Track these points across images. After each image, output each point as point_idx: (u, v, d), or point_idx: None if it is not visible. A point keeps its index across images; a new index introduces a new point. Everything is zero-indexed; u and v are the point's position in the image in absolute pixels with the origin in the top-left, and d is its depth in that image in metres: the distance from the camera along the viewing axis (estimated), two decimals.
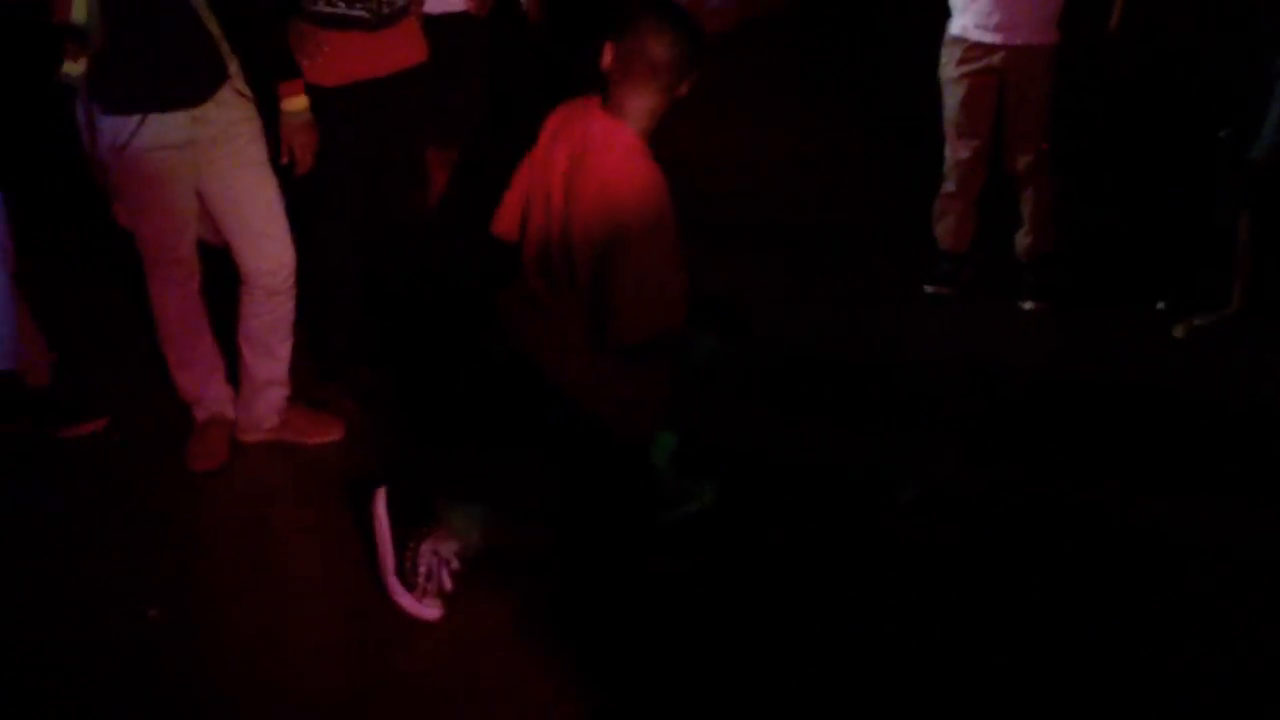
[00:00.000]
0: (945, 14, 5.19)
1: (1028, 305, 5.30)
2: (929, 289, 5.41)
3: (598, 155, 3.40)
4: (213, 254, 4.20)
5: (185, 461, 4.26)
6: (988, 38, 5.05)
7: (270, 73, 3.98)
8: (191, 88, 3.89)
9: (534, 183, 3.57)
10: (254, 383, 4.29)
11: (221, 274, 4.21)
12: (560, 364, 3.48)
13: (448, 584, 3.63)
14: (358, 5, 4.19)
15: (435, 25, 4.61)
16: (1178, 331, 5.07)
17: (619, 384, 3.47)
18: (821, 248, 5.83)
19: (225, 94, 3.95)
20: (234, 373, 4.34)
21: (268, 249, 4.10)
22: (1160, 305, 5.21)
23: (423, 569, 3.61)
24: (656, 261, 3.34)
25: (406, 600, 3.62)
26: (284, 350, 4.28)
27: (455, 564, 3.63)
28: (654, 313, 3.37)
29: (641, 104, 3.43)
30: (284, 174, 4.13)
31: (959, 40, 5.12)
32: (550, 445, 3.59)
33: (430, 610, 3.62)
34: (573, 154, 3.45)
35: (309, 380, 4.54)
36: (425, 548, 3.62)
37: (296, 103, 4.02)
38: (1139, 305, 5.27)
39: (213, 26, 3.87)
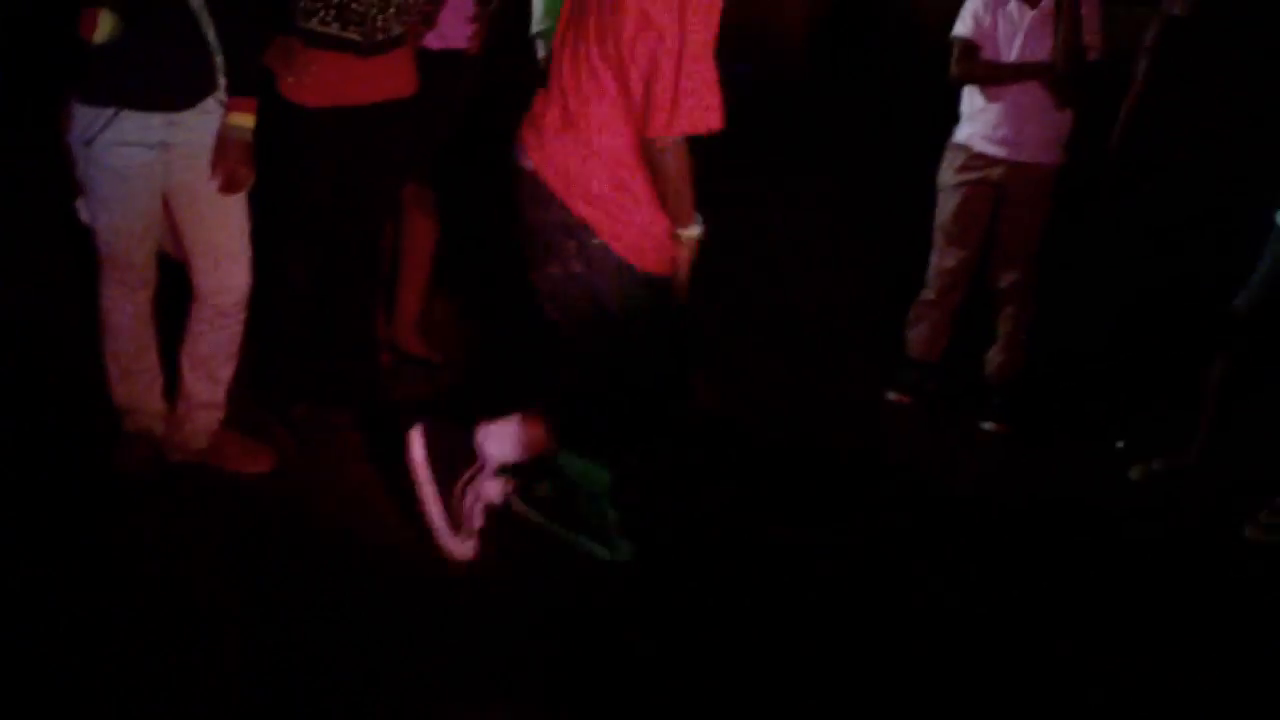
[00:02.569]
0: (953, 118, 5.11)
1: (988, 426, 5.20)
2: (891, 395, 5.31)
3: None
4: (165, 267, 4.07)
5: (111, 468, 4.11)
6: (991, 149, 4.97)
7: (233, 81, 3.84)
8: (175, 91, 3.79)
9: None
10: (190, 402, 4.15)
11: (170, 288, 4.08)
12: (581, 183, 3.58)
13: (479, 522, 3.89)
14: (352, 27, 4.08)
15: (430, 60, 4.49)
16: (1134, 473, 4.96)
17: (635, 211, 3.61)
18: (788, 335, 5.74)
19: (210, 104, 3.84)
20: (170, 388, 4.20)
21: (225, 268, 3.99)
22: (1119, 444, 5.11)
23: (465, 510, 3.85)
24: (702, 49, 3.42)
25: (451, 542, 3.84)
26: (225, 373, 4.15)
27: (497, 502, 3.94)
28: (699, 102, 3.44)
29: None
30: (252, 194, 4.00)
31: (962, 148, 5.05)
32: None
33: (466, 548, 3.87)
34: None
35: (245, 406, 4.40)
36: (470, 490, 3.85)
37: (245, 119, 3.87)
38: (1100, 440, 5.17)
39: (210, 35, 3.75)
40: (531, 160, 3.65)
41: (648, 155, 3.51)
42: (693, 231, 3.65)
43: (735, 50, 7.02)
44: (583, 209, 3.59)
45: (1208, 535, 4.70)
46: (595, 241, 3.60)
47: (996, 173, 4.97)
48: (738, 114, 7.28)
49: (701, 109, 3.45)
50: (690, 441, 4.53)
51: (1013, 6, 4.89)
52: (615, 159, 3.56)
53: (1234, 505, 4.77)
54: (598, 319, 3.69)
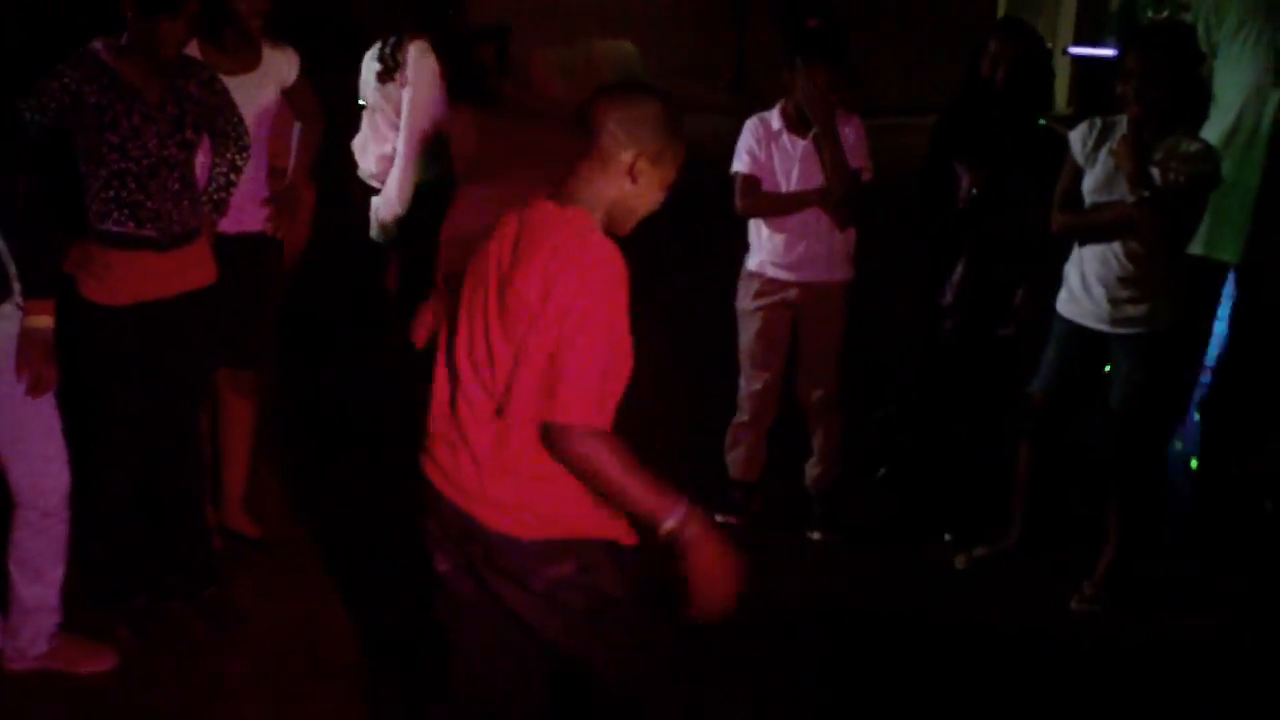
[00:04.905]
0: (745, 248, 5.34)
1: (815, 536, 5.38)
2: (718, 518, 5.44)
3: (545, 231, 3.05)
4: None
5: None
6: (783, 274, 5.18)
7: (27, 285, 3.91)
8: None
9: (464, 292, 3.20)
10: (22, 608, 4.14)
11: None
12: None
13: None
14: (148, 225, 4.18)
15: (228, 245, 4.61)
16: (959, 562, 5.19)
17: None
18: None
19: (7, 310, 3.90)
20: (1, 597, 4.20)
21: (42, 469, 4.03)
22: (947, 536, 5.32)
23: None
24: (606, 335, 2.96)
25: None
26: (55, 574, 4.15)
27: None
28: (598, 389, 2.95)
29: (595, 187, 3.10)
30: (62, 393, 4.05)
31: (756, 275, 5.25)
32: None
33: None
34: (513, 243, 3.11)
35: (80, 606, 4.39)
36: None
37: (44, 320, 3.92)
38: (924, 536, 5.38)
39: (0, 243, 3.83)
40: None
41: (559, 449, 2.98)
42: (672, 522, 2.96)
43: None
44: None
45: (1035, 611, 4.94)
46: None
47: (791, 295, 5.19)
48: None
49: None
50: None
51: (785, 139, 5.13)
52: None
53: (1058, 581, 5.03)
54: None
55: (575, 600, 3.12)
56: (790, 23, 7.10)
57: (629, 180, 3.11)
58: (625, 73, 9.09)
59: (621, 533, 3.15)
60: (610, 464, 2.94)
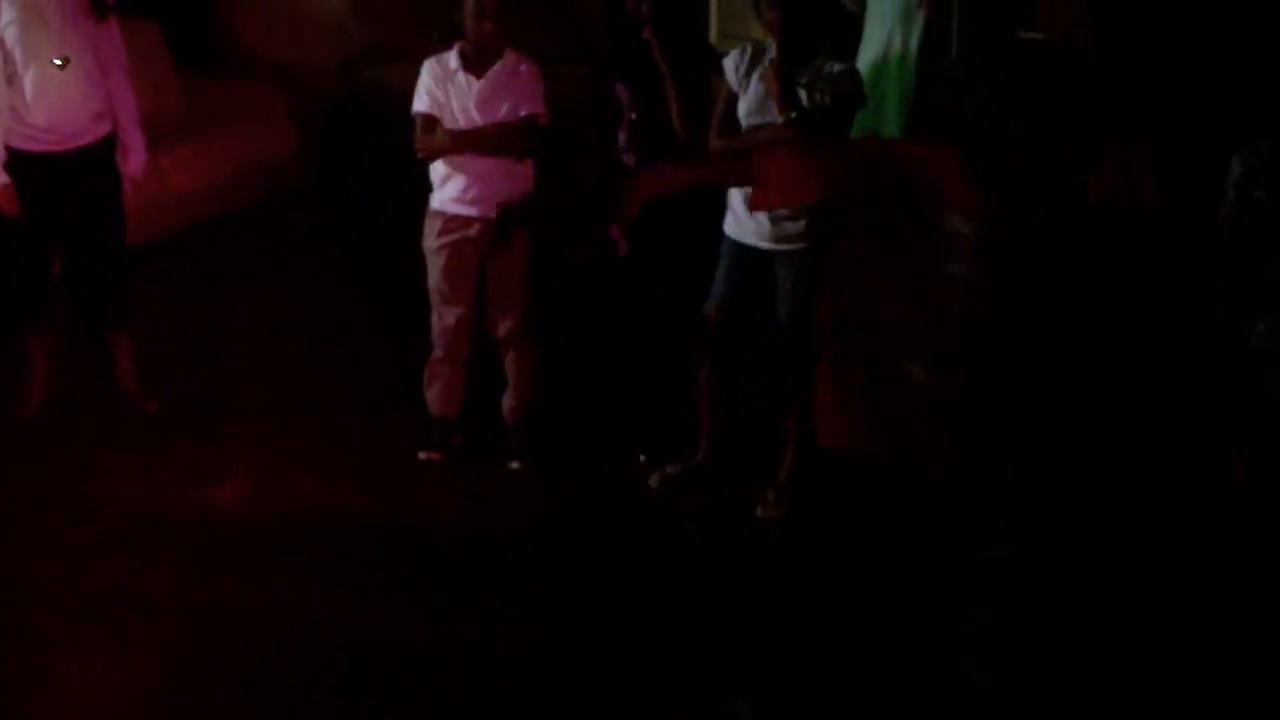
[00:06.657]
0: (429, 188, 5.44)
1: (514, 465, 5.54)
2: (422, 455, 5.57)
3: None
4: None
5: None
6: (464, 210, 5.30)
7: None
8: None
9: None
10: None
11: None
12: None
13: None
14: None
15: None
16: (653, 481, 5.39)
17: None
18: (336, 416, 5.96)
19: None
20: None
21: None
22: (642, 458, 5.53)
23: None
24: None
25: None
26: None
27: None
28: None
29: None
30: None
31: (439, 213, 5.35)
32: None
33: None
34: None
35: None
36: None
37: None
38: (619, 459, 5.58)
39: None
40: None
41: None
42: None
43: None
44: None
45: (725, 521, 5.22)
46: None
47: (473, 230, 5.30)
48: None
49: None
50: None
51: (461, 78, 5.24)
52: None
53: (746, 491, 5.30)
54: None
55: None
56: None
57: None
58: (332, 25, 9.09)
59: None
60: None
